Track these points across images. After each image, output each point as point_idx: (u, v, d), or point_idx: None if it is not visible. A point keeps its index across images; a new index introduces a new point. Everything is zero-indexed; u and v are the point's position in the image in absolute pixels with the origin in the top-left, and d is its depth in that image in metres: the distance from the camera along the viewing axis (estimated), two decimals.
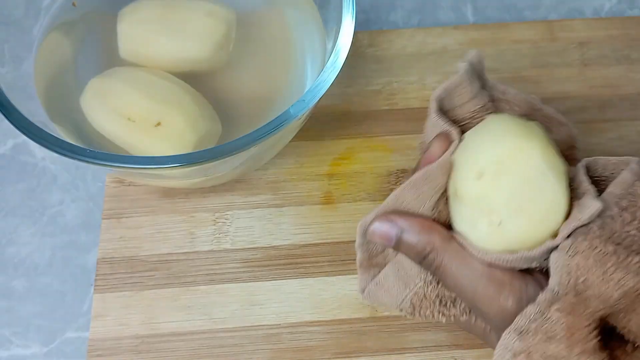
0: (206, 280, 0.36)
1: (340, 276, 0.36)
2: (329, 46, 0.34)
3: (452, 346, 0.35)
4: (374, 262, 0.31)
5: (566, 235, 0.25)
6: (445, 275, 0.28)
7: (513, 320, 0.25)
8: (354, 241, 0.37)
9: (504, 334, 0.25)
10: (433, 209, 0.29)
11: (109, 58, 0.35)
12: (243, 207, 0.38)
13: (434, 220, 0.29)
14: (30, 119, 0.29)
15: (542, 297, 0.25)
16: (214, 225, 0.38)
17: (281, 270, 0.37)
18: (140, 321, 0.35)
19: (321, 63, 0.35)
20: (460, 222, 0.28)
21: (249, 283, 0.36)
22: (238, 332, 0.35)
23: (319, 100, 0.30)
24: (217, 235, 0.38)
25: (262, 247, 0.37)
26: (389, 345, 0.35)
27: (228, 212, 0.38)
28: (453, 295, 0.29)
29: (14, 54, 0.33)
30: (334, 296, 0.36)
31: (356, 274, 0.37)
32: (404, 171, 0.39)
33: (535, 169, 0.25)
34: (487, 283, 0.26)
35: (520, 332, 0.25)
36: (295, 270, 0.37)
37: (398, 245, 0.28)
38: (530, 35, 0.44)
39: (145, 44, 0.34)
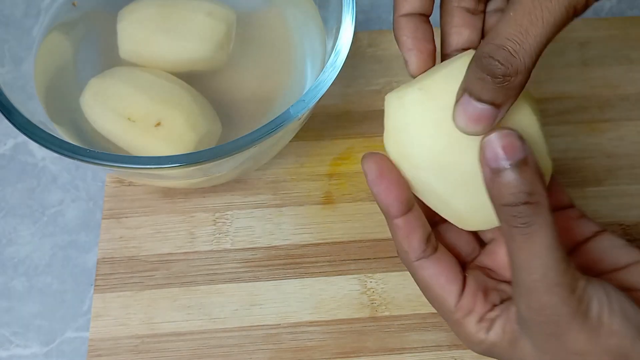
0: (206, 280, 0.36)
1: (340, 276, 0.37)
2: (329, 46, 0.34)
3: (452, 346, 0.35)
4: None
5: None
6: (530, 239, 0.23)
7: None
8: (354, 241, 0.37)
9: None
10: None
11: (109, 58, 0.35)
12: (243, 207, 0.38)
13: None
14: (30, 119, 0.29)
15: None
16: (214, 225, 0.38)
17: (281, 270, 0.37)
18: (140, 321, 0.35)
19: (321, 63, 0.35)
20: None
21: (249, 283, 0.36)
22: (238, 332, 0.35)
23: (319, 100, 0.30)
24: (217, 235, 0.38)
25: (262, 247, 0.37)
26: (388, 345, 0.35)
27: (228, 212, 0.38)
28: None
29: (14, 54, 0.33)
30: (334, 296, 0.36)
31: (355, 274, 0.37)
32: None
33: None
34: (564, 269, 0.23)
35: None
36: (295, 270, 0.37)
37: (521, 165, 0.22)
38: None
39: (145, 44, 0.34)
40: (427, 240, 0.27)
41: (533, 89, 0.42)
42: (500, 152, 0.22)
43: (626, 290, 0.26)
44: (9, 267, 0.38)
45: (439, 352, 0.35)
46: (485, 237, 0.31)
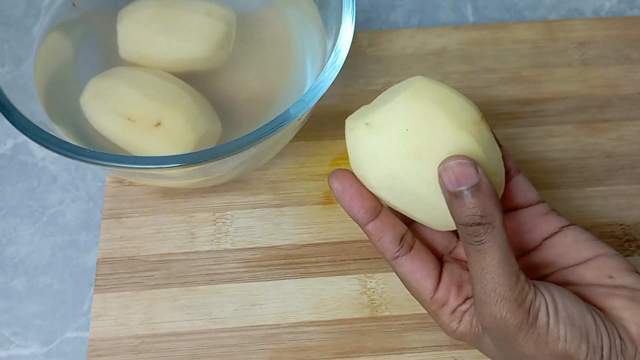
0: (206, 280, 0.36)
1: (340, 276, 0.37)
2: (329, 46, 0.34)
3: (452, 346, 0.35)
4: None
5: None
6: (481, 256, 0.25)
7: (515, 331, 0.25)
8: (354, 241, 0.37)
9: None
10: None
11: (109, 58, 0.35)
12: (243, 207, 0.38)
13: None
14: (30, 119, 0.29)
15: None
16: (214, 225, 0.38)
17: (281, 270, 0.37)
18: (140, 321, 0.35)
19: (321, 63, 0.35)
20: None
21: (249, 283, 0.36)
22: (238, 332, 0.35)
23: (319, 100, 0.30)
24: (217, 235, 0.38)
25: (262, 247, 0.37)
26: (388, 345, 0.35)
27: (228, 212, 0.38)
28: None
29: (14, 54, 0.33)
30: (334, 296, 0.36)
31: (355, 274, 0.37)
32: None
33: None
34: (514, 284, 0.25)
35: None
36: (295, 270, 0.37)
37: (463, 194, 0.25)
38: (530, 35, 0.44)
39: (145, 44, 0.34)
40: (400, 240, 0.29)
41: (533, 89, 0.42)
42: (454, 178, 0.25)
43: (585, 285, 0.28)
44: (9, 267, 0.38)
45: (439, 352, 0.35)
46: None
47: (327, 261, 0.37)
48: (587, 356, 0.25)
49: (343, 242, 0.37)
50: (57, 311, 0.37)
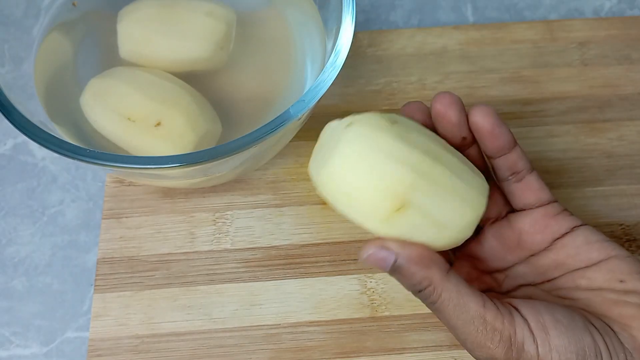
0: (206, 280, 0.36)
1: (340, 276, 0.37)
2: (329, 46, 0.34)
3: (452, 346, 0.35)
4: None
5: None
6: (441, 312, 0.27)
7: None
8: (354, 241, 0.37)
9: None
10: None
11: (109, 58, 0.35)
12: (243, 207, 0.38)
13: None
14: (30, 119, 0.29)
15: None
16: (214, 225, 0.38)
17: (281, 270, 0.37)
18: (140, 321, 0.35)
19: (321, 63, 0.35)
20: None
21: (249, 283, 0.36)
22: (238, 332, 0.35)
23: (319, 100, 0.30)
24: (217, 235, 0.38)
25: (262, 247, 0.37)
26: (388, 345, 0.35)
27: (228, 212, 0.38)
28: None
29: (14, 54, 0.33)
30: (334, 296, 0.36)
31: (356, 273, 0.37)
32: None
33: None
34: (480, 328, 0.26)
35: None
36: (295, 270, 0.37)
37: (393, 272, 0.27)
38: (530, 35, 0.44)
39: (145, 44, 0.34)
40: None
41: (533, 89, 0.42)
42: (376, 265, 0.27)
43: (595, 290, 0.27)
44: (9, 267, 0.38)
45: (439, 352, 0.35)
46: None
47: (327, 261, 0.37)
48: None
49: (343, 242, 0.37)
50: (57, 311, 0.37)
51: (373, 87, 0.42)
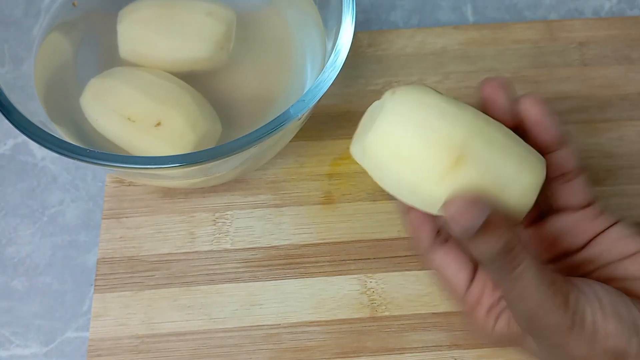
0: (206, 280, 0.36)
1: (340, 276, 0.37)
2: (329, 46, 0.34)
3: (452, 346, 0.35)
4: None
5: None
6: (517, 280, 0.25)
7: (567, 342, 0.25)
8: (354, 241, 0.37)
9: None
10: None
11: (109, 58, 0.35)
12: (243, 207, 0.38)
13: None
14: (30, 119, 0.29)
15: None
16: (214, 225, 0.38)
17: (281, 270, 0.37)
18: (140, 321, 0.35)
19: (321, 63, 0.35)
20: None
21: (249, 283, 0.36)
22: (238, 332, 0.35)
23: (319, 100, 0.30)
24: (217, 235, 0.38)
25: (262, 247, 0.37)
26: (388, 345, 0.35)
27: (228, 212, 0.38)
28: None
29: (14, 54, 0.33)
30: (333, 296, 0.36)
31: (355, 274, 0.37)
32: None
33: None
34: (553, 296, 0.25)
35: None
36: (295, 270, 0.37)
37: (479, 232, 0.24)
38: (530, 35, 0.44)
39: (145, 44, 0.34)
40: (437, 232, 0.30)
41: (533, 89, 0.42)
42: (461, 226, 0.24)
43: (630, 279, 0.28)
44: (9, 267, 0.38)
45: (439, 352, 0.35)
46: None
47: (327, 261, 0.37)
48: (638, 349, 0.25)
49: (343, 242, 0.37)
50: (57, 311, 0.37)
51: (373, 87, 0.42)
